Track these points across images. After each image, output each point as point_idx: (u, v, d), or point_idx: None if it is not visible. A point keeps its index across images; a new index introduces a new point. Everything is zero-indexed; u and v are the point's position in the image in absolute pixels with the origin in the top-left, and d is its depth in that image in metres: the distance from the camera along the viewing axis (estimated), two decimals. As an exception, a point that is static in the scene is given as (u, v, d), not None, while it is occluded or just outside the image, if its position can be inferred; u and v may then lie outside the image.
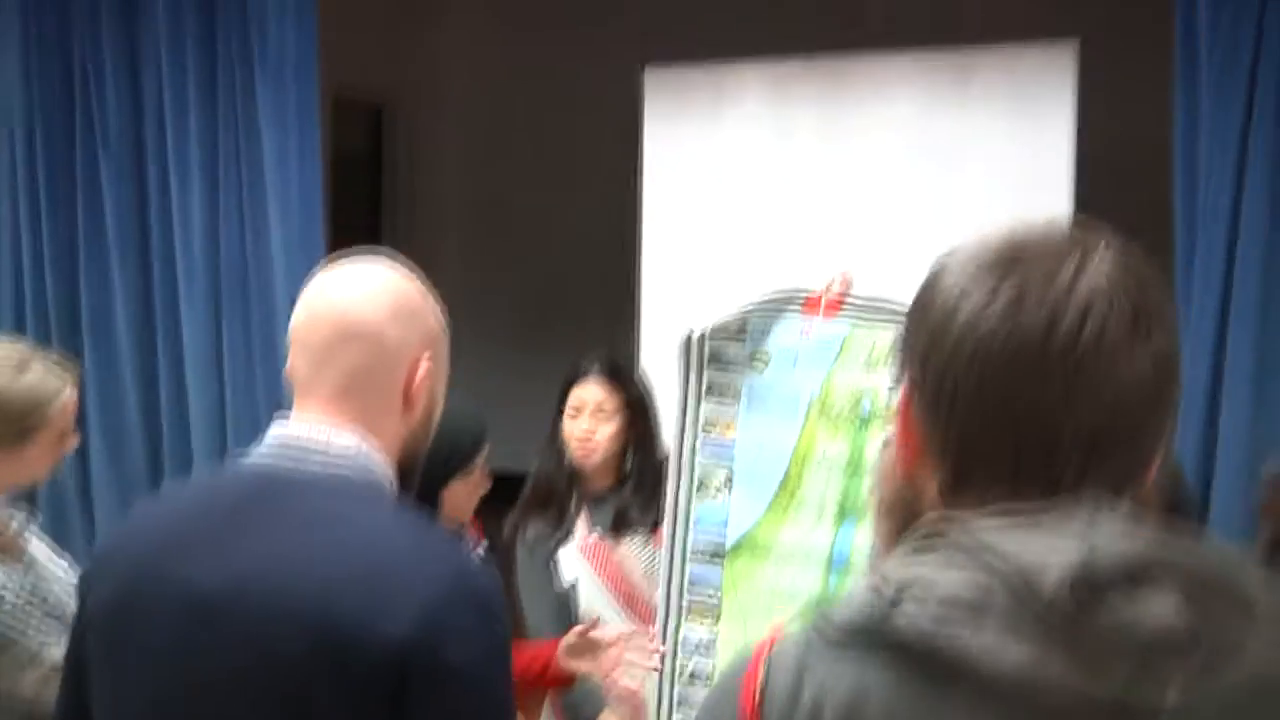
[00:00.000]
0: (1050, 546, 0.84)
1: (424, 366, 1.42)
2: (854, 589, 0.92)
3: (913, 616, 0.85)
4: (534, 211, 7.61)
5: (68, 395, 2.05)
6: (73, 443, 2.09)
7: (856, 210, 3.53)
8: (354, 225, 7.68)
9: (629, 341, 3.76)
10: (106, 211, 3.65)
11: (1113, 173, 3.77)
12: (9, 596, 1.90)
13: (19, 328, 3.70)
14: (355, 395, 1.39)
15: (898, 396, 0.98)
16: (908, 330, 0.97)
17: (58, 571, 2.07)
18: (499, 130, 7.66)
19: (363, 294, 1.41)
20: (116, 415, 3.62)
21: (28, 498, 2.34)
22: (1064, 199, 3.35)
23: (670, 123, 3.74)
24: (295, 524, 1.31)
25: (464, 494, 2.39)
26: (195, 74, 3.61)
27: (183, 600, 1.29)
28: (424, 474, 2.21)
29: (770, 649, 0.94)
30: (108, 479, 3.60)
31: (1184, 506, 1.97)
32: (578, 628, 2.52)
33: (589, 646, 2.49)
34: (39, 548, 2.12)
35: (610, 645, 2.48)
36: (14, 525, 2.10)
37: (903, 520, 0.99)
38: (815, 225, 3.56)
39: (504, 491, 3.00)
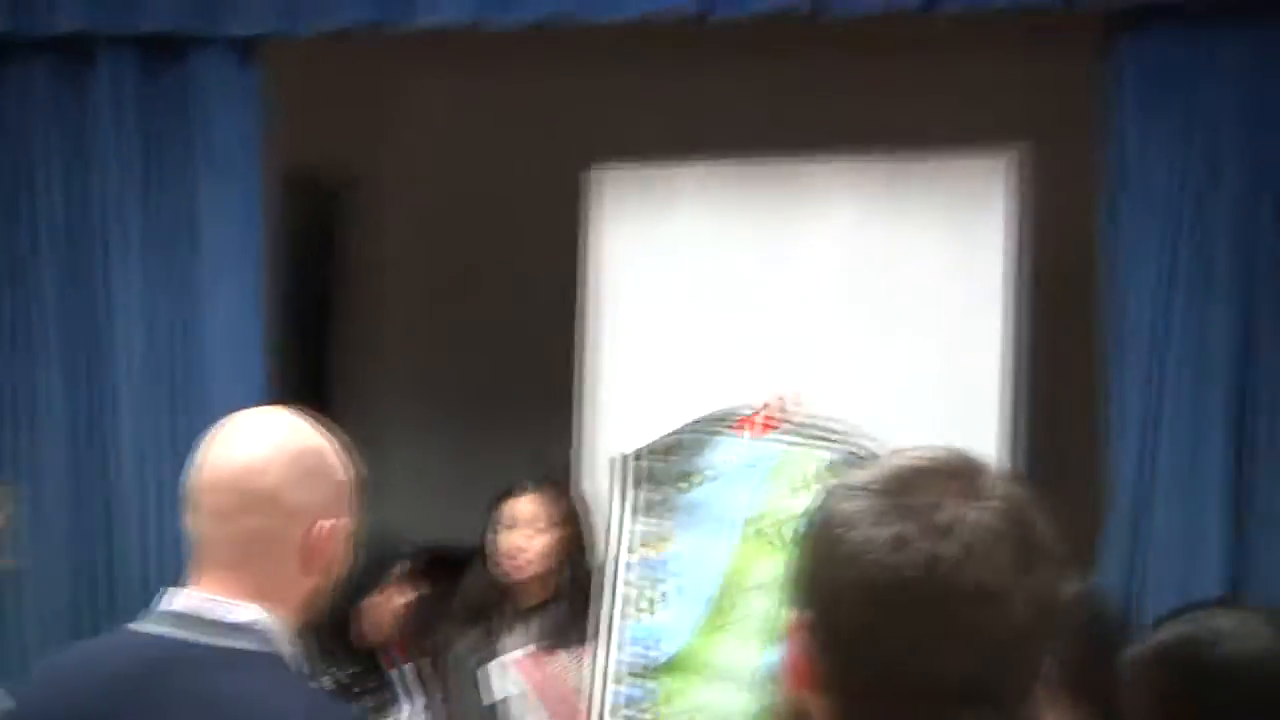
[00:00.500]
0: None
1: (324, 528, 1.41)
2: None
3: None
4: (481, 299, 7.66)
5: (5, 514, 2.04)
6: (6, 562, 2.08)
7: (797, 315, 3.54)
8: (304, 303, 7.66)
9: (573, 434, 3.76)
10: (47, 309, 3.62)
11: (1050, 281, 3.82)
12: None
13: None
14: (253, 561, 1.37)
15: (790, 616, 0.98)
16: (798, 552, 0.98)
17: None
18: (450, 216, 7.72)
19: (261, 457, 1.38)
20: (56, 524, 3.56)
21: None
22: (998, 309, 3.39)
23: (613, 222, 3.76)
24: (187, 712, 1.29)
25: (381, 608, 2.39)
26: (138, 168, 3.60)
27: None
28: (337, 595, 2.21)
29: None
30: (50, 581, 3.54)
31: (1106, 633, 1.97)
32: None
33: None
34: None
35: None
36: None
37: None
38: (756, 326, 3.57)
39: (444, 570, 3.02)
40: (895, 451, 0.99)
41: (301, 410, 1.53)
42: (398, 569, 2.42)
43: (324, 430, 1.48)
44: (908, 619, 0.88)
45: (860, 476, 0.96)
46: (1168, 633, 1.48)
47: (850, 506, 0.93)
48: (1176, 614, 1.54)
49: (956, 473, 0.94)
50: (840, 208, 3.58)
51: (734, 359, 3.50)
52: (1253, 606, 1.61)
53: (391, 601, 2.43)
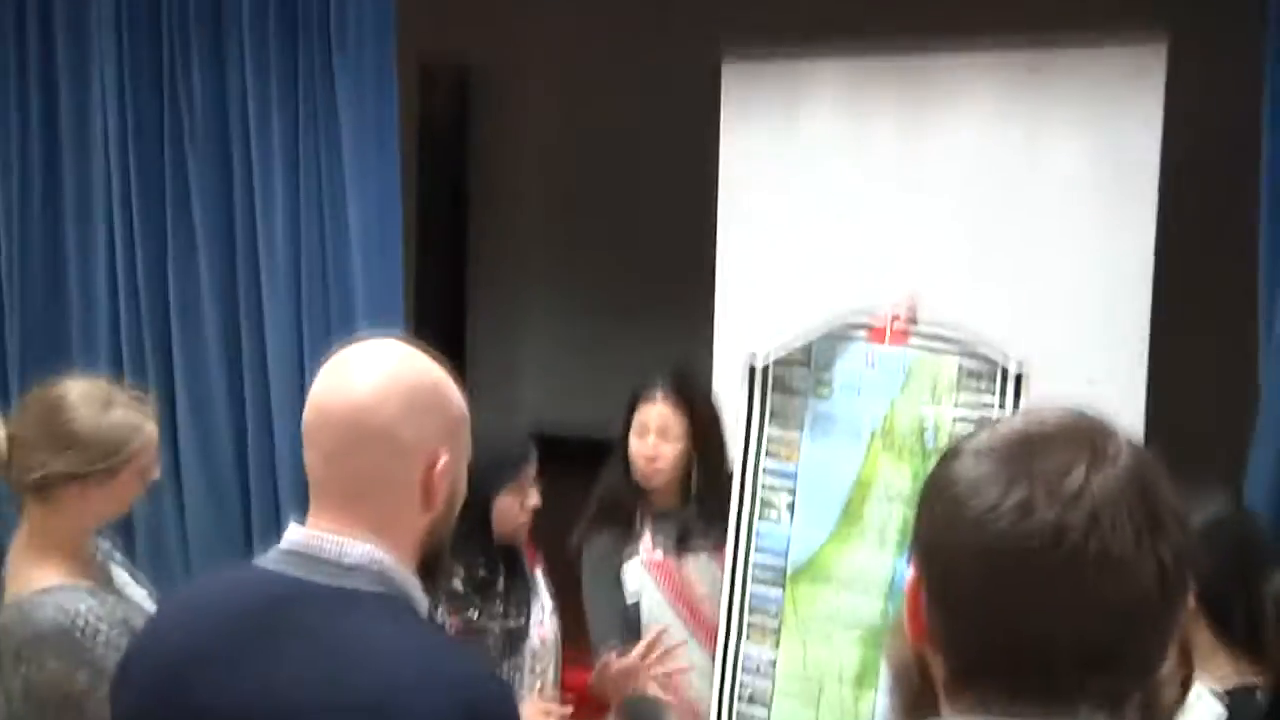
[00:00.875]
0: None
1: (442, 461, 1.39)
2: None
3: None
4: (613, 191, 7.66)
5: (150, 429, 2.13)
6: (155, 475, 2.17)
7: (932, 211, 3.47)
8: (439, 190, 7.76)
9: (706, 326, 3.76)
10: (194, 206, 3.73)
11: (1197, 174, 3.66)
12: (104, 629, 1.98)
13: (114, 320, 3.82)
14: (370, 499, 1.36)
15: (909, 572, 0.99)
16: (918, 513, 0.98)
17: (140, 601, 2.17)
18: (582, 106, 7.68)
19: (374, 392, 1.36)
20: (204, 405, 3.73)
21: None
22: (1148, 200, 3.27)
23: (746, 117, 3.71)
24: (303, 650, 1.30)
25: (512, 507, 2.44)
26: (276, 61, 3.64)
27: None
28: (471, 489, 2.28)
29: None
30: (197, 472, 3.72)
31: (1255, 559, 1.93)
32: (600, 664, 2.57)
33: (612, 677, 2.53)
34: (122, 576, 2.23)
35: (631, 668, 2.52)
36: (100, 555, 2.20)
37: (911, 693, 1.01)
38: (891, 224, 3.51)
39: (580, 455, 3.07)
40: (1019, 413, 0.98)
41: (417, 339, 1.51)
42: (527, 469, 2.46)
43: (436, 362, 1.45)
44: (1031, 587, 0.88)
45: (984, 438, 0.95)
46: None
47: (974, 470, 0.92)
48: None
49: (1082, 437, 0.92)
50: (978, 102, 3.47)
51: (866, 259, 3.46)
52: None
53: (523, 499, 2.47)
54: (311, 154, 3.64)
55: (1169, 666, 0.95)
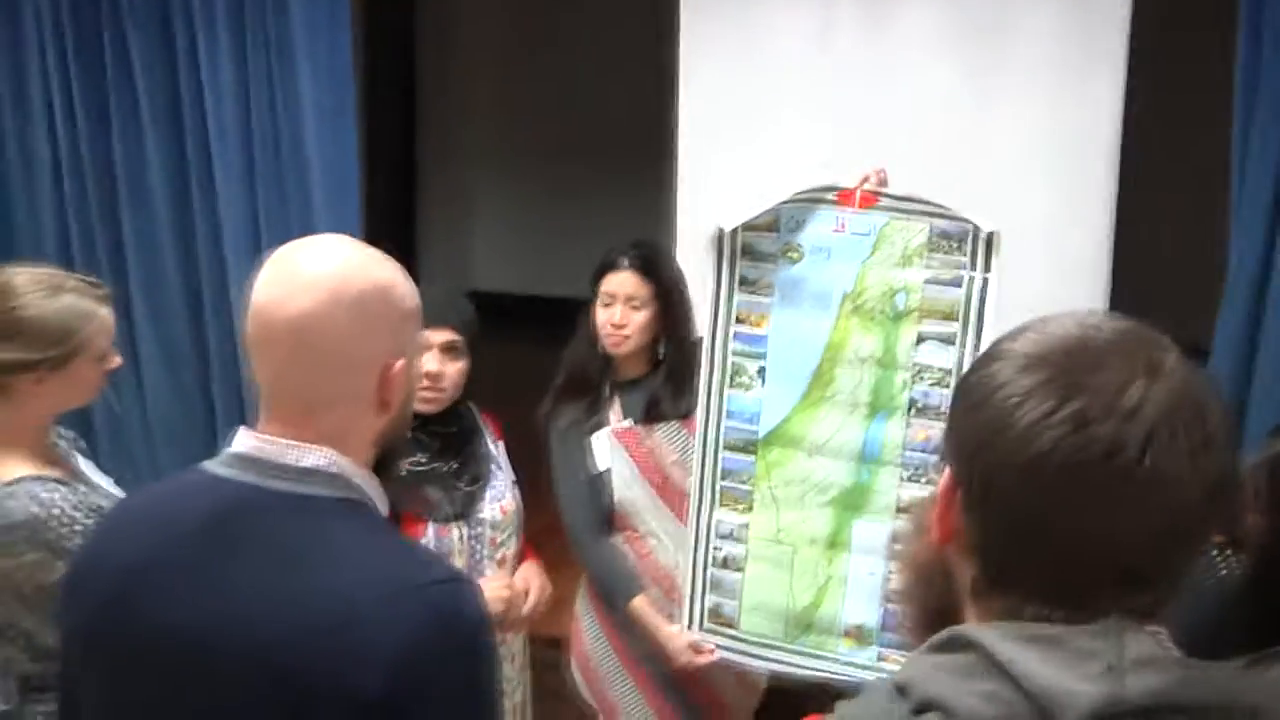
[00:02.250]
0: (1076, 674, 0.84)
1: (396, 366, 1.35)
2: (874, 690, 0.92)
3: None
4: (572, 72, 7.52)
5: (104, 315, 2.07)
6: (115, 362, 2.12)
7: (899, 76, 3.41)
8: (390, 65, 7.57)
9: (666, 206, 3.70)
10: (137, 78, 3.60)
11: (1169, 62, 3.60)
12: (79, 517, 1.95)
13: (58, 194, 3.71)
14: (323, 409, 1.33)
15: (941, 477, 0.96)
16: (955, 417, 0.95)
17: (111, 490, 2.14)
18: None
19: (321, 304, 1.29)
20: (158, 287, 3.65)
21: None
22: (1116, 86, 3.21)
23: (708, 9, 3.59)
24: (263, 561, 1.26)
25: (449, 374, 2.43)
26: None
27: (154, 639, 1.26)
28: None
29: None
30: (154, 354, 3.66)
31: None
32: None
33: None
34: (87, 465, 2.19)
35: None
36: (62, 445, 2.16)
37: (933, 595, 0.99)
38: (856, 91, 3.45)
39: (535, 316, 3.03)
40: (1059, 316, 0.94)
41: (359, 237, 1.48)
42: (460, 336, 2.43)
43: (381, 257, 1.39)
44: (1083, 500, 0.86)
45: (1032, 342, 0.91)
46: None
47: (1025, 377, 0.89)
48: None
49: (1132, 347, 0.90)
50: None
51: (834, 136, 3.40)
52: None
53: (455, 365, 2.44)
54: (259, 23, 3.51)
55: None
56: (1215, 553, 1.88)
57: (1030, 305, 2.80)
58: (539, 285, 7.79)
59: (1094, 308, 3.03)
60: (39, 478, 1.98)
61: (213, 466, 1.35)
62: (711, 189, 3.50)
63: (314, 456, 1.31)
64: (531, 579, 2.59)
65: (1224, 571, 1.83)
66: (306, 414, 1.32)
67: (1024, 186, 3.27)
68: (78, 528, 1.94)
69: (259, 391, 1.36)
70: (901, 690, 0.90)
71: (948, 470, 0.95)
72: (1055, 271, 3.21)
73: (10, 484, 1.96)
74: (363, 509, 1.34)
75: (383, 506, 1.39)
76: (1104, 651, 0.85)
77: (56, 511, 1.94)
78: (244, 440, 1.34)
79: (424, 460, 2.44)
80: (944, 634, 0.91)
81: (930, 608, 0.99)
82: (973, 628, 0.90)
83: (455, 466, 2.49)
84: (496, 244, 8.41)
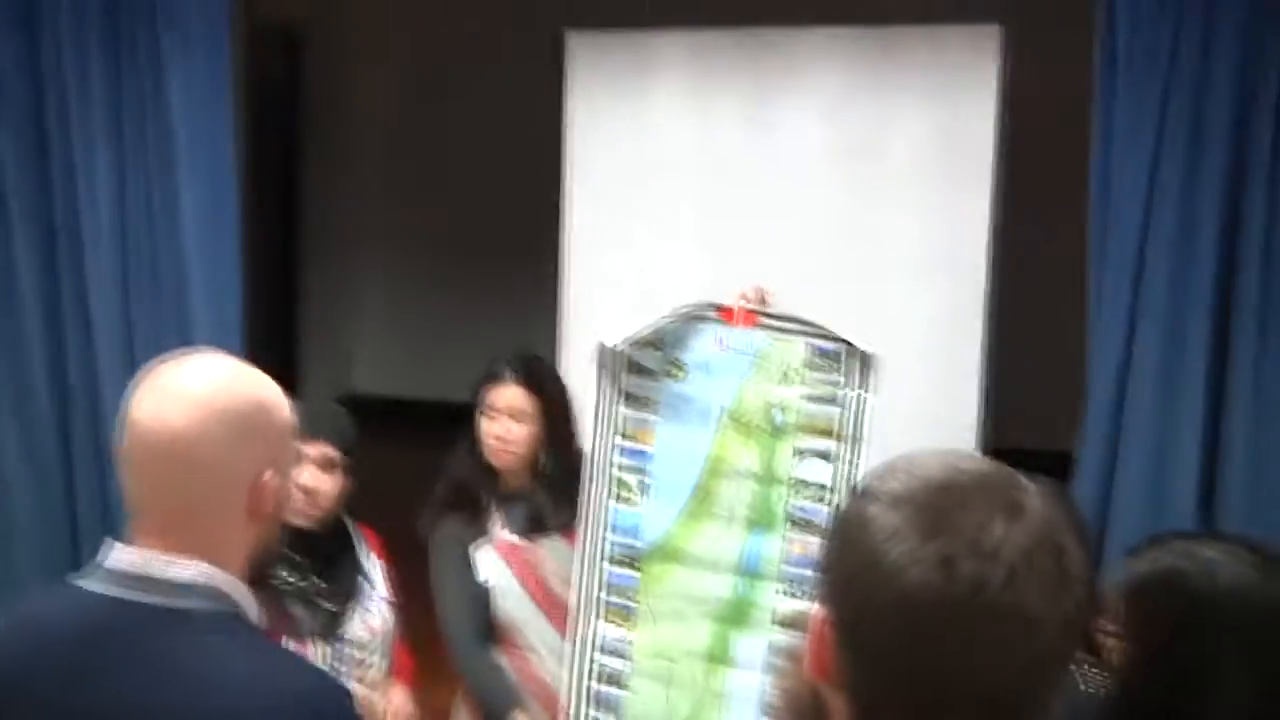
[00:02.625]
0: None
1: (267, 478, 1.38)
2: None
3: None
4: (456, 156, 7.57)
5: None
6: None
7: (780, 186, 3.52)
8: (271, 164, 7.54)
9: (548, 303, 3.73)
10: (7, 178, 3.53)
11: (1036, 155, 3.78)
12: None
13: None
14: (196, 523, 1.35)
15: (816, 610, 0.98)
16: (828, 554, 0.97)
17: None
18: (422, 71, 7.54)
19: (195, 422, 1.33)
20: (25, 392, 3.55)
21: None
22: (985, 182, 3.36)
23: (592, 90, 3.68)
24: (141, 678, 1.27)
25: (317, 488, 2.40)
26: (97, 27, 3.48)
27: None
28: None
29: None
30: (20, 472, 3.54)
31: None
32: None
33: None
34: None
35: None
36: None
37: None
38: (739, 197, 3.55)
39: (416, 419, 3.00)
40: (926, 456, 0.98)
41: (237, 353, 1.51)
42: (337, 451, 2.40)
43: (256, 374, 1.43)
44: (946, 637, 0.89)
45: (899, 483, 0.95)
46: (1154, 563, 1.49)
47: (892, 516, 0.92)
48: (1156, 542, 1.55)
49: (996, 488, 0.94)
50: (825, 79, 3.51)
51: (718, 223, 3.49)
52: (1230, 537, 1.62)
53: (301, 479, 2.38)
54: (138, 126, 3.48)
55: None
56: (1086, 668, 1.93)
57: (910, 414, 2.90)
58: (422, 389, 7.72)
59: (967, 433, 3.10)
60: None
61: (85, 582, 1.35)
62: (596, 293, 3.55)
63: (188, 571, 1.33)
64: (399, 704, 2.54)
65: (1091, 690, 1.87)
66: (180, 527, 1.34)
67: (902, 295, 3.38)
68: None
69: (131, 504, 1.37)
70: None
71: (820, 606, 0.98)
72: (935, 380, 3.31)
73: None
74: (237, 621, 1.36)
75: (255, 615, 1.41)
76: None
77: None
78: (117, 555, 1.35)
79: (291, 579, 2.39)
80: None
81: None
82: None
83: (322, 585, 2.44)
84: (378, 346, 8.35)
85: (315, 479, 2.39)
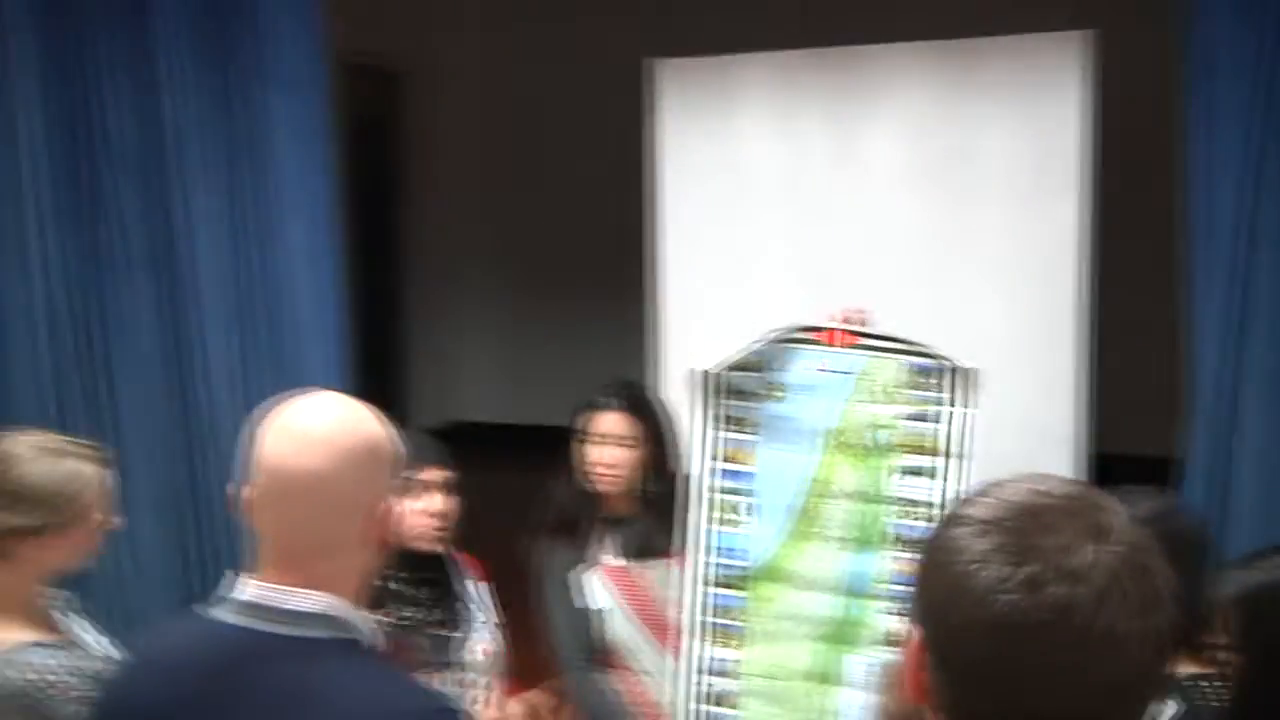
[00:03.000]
0: None
1: (384, 508, 1.47)
2: None
3: None
4: (551, 185, 7.71)
5: (104, 478, 2.11)
6: (114, 524, 2.15)
7: (869, 202, 3.52)
8: (367, 188, 7.70)
9: (636, 325, 3.77)
10: (127, 227, 3.67)
11: (1126, 162, 3.74)
12: (74, 683, 1.95)
13: (53, 343, 3.74)
14: (324, 556, 1.43)
15: (910, 633, 1.02)
16: (920, 579, 1.00)
17: (105, 652, 2.15)
18: (516, 103, 7.68)
19: (329, 462, 1.42)
20: (148, 433, 3.68)
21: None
22: (1074, 189, 3.33)
23: (678, 116, 3.72)
24: (271, 704, 1.35)
25: (409, 515, 2.40)
26: (202, 77, 3.61)
27: None
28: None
29: None
30: (146, 495, 3.67)
31: (1186, 554, 1.97)
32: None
33: None
34: (79, 625, 2.20)
35: None
36: (58, 606, 2.18)
37: None
38: (828, 216, 3.56)
39: (516, 445, 3.01)
40: (1012, 481, 1.00)
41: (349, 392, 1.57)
42: (423, 471, 2.44)
43: (371, 411, 1.52)
44: (1036, 659, 0.91)
45: (987, 508, 0.98)
46: (1260, 574, 1.48)
47: (981, 542, 0.95)
48: (1261, 554, 1.54)
49: (1081, 510, 0.96)
50: (910, 93, 3.51)
51: (808, 242, 3.50)
52: None
53: (426, 504, 2.45)
54: (243, 168, 3.61)
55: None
56: (1205, 684, 1.91)
57: (1011, 426, 2.88)
58: (522, 414, 7.83)
59: (1068, 443, 3.05)
60: (37, 644, 2.00)
61: (218, 614, 1.44)
62: (688, 318, 3.58)
63: (311, 601, 1.41)
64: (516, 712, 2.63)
65: (1214, 703, 1.86)
66: (307, 559, 1.43)
67: (997, 307, 3.36)
68: (72, 693, 1.94)
69: (260, 539, 1.46)
70: None
71: (915, 630, 1.00)
72: (1037, 394, 3.29)
73: (8, 650, 1.98)
74: (359, 648, 1.44)
75: (377, 641, 1.50)
76: None
77: (52, 678, 1.95)
78: (245, 588, 1.44)
79: (407, 613, 2.46)
80: None
81: None
82: None
83: (437, 615, 2.51)
84: (478, 375, 8.50)
85: (444, 503, 2.47)
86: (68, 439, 2.14)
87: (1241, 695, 1.50)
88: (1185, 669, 1.93)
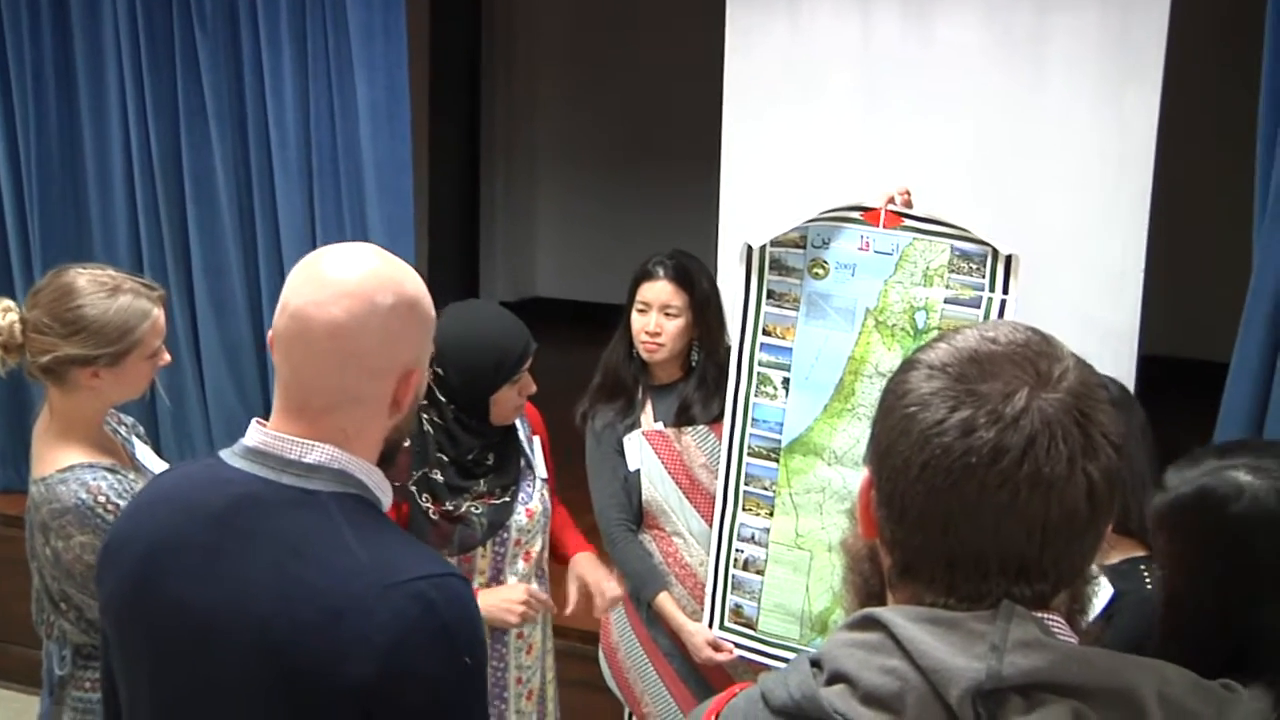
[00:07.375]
0: (965, 653, 0.93)
1: (412, 375, 1.42)
2: (798, 663, 1.02)
3: (837, 705, 0.96)
4: (627, 66, 7.72)
5: (158, 315, 2.21)
6: (165, 359, 2.26)
7: (940, 84, 3.45)
8: (456, 78, 7.73)
9: (712, 192, 3.78)
10: (204, 86, 3.76)
11: (1205, 49, 3.61)
12: (123, 504, 2.08)
13: (129, 192, 3.88)
14: (339, 412, 1.39)
15: (864, 472, 1.06)
16: (874, 421, 1.04)
17: (155, 472, 2.28)
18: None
19: (354, 315, 1.35)
20: (220, 281, 3.81)
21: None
22: (1153, 97, 3.23)
23: (750, 11, 3.64)
24: (268, 552, 1.33)
25: (511, 399, 2.51)
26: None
27: (172, 615, 1.37)
28: (474, 382, 2.37)
29: (720, 710, 1.07)
30: (215, 344, 3.81)
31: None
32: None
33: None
34: (145, 452, 2.34)
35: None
36: (121, 432, 2.31)
37: (862, 579, 1.09)
38: (898, 97, 3.49)
39: (588, 318, 2.99)
40: (971, 328, 1.03)
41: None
42: (527, 364, 2.49)
43: (407, 268, 1.44)
44: (968, 501, 0.95)
45: (939, 353, 1.01)
46: (1187, 484, 1.47)
47: (926, 385, 0.98)
48: (1196, 459, 1.51)
49: (1029, 359, 0.98)
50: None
51: (872, 134, 3.46)
52: (1266, 446, 1.54)
53: (521, 389, 2.51)
54: (319, 32, 3.66)
55: (1094, 567, 1.02)
56: (1143, 568, 1.92)
57: (1066, 315, 2.86)
58: (596, 292, 7.90)
59: (1126, 340, 2.99)
60: (90, 465, 2.13)
61: (229, 458, 1.42)
62: (754, 197, 3.58)
63: (317, 453, 1.37)
64: (591, 579, 2.68)
65: (1149, 588, 1.87)
66: (323, 412, 1.38)
67: (1061, 197, 3.29)
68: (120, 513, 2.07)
69: (279, 385, 1.41)
70: (816, 663, 1.00)
71: (867, 469, 1.05)
72: (1091, 282, 3.24)
73: (64, 471, 2.11)
74: (363, 504, 1.40)
75: (385, 500, 1.45)
76: (990, 634, 0.94)
77: (102, 498, 2.09)
78: (254, 435, 1.41)
79: (467, 488, 2.51)
80: (859, 614, 1.01)
81: (862, 593, 1.09)
82: (883, 609, 0.99)
83: (488, 486, 2.54)
84: (555, 252, 8.59)
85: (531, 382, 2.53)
86: (127, 274, 2.24)
87: (1170, 597, 1.49)
88: (1130, 553, 1.95)
